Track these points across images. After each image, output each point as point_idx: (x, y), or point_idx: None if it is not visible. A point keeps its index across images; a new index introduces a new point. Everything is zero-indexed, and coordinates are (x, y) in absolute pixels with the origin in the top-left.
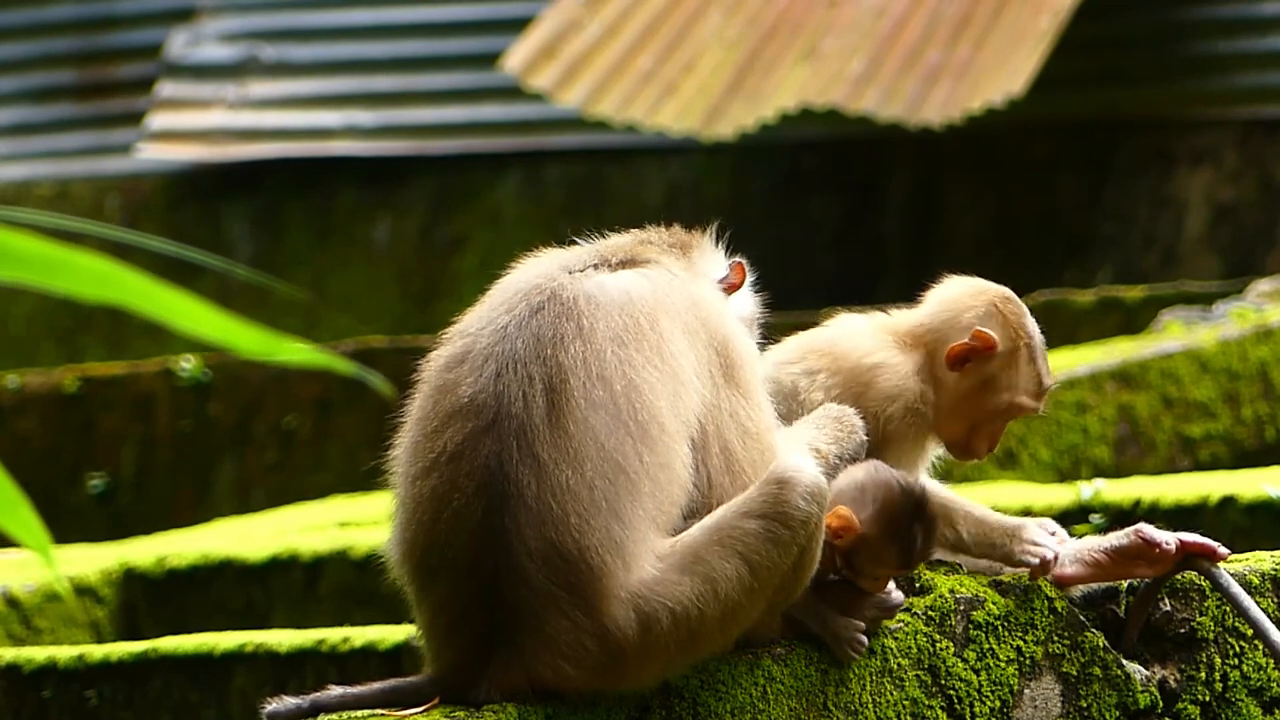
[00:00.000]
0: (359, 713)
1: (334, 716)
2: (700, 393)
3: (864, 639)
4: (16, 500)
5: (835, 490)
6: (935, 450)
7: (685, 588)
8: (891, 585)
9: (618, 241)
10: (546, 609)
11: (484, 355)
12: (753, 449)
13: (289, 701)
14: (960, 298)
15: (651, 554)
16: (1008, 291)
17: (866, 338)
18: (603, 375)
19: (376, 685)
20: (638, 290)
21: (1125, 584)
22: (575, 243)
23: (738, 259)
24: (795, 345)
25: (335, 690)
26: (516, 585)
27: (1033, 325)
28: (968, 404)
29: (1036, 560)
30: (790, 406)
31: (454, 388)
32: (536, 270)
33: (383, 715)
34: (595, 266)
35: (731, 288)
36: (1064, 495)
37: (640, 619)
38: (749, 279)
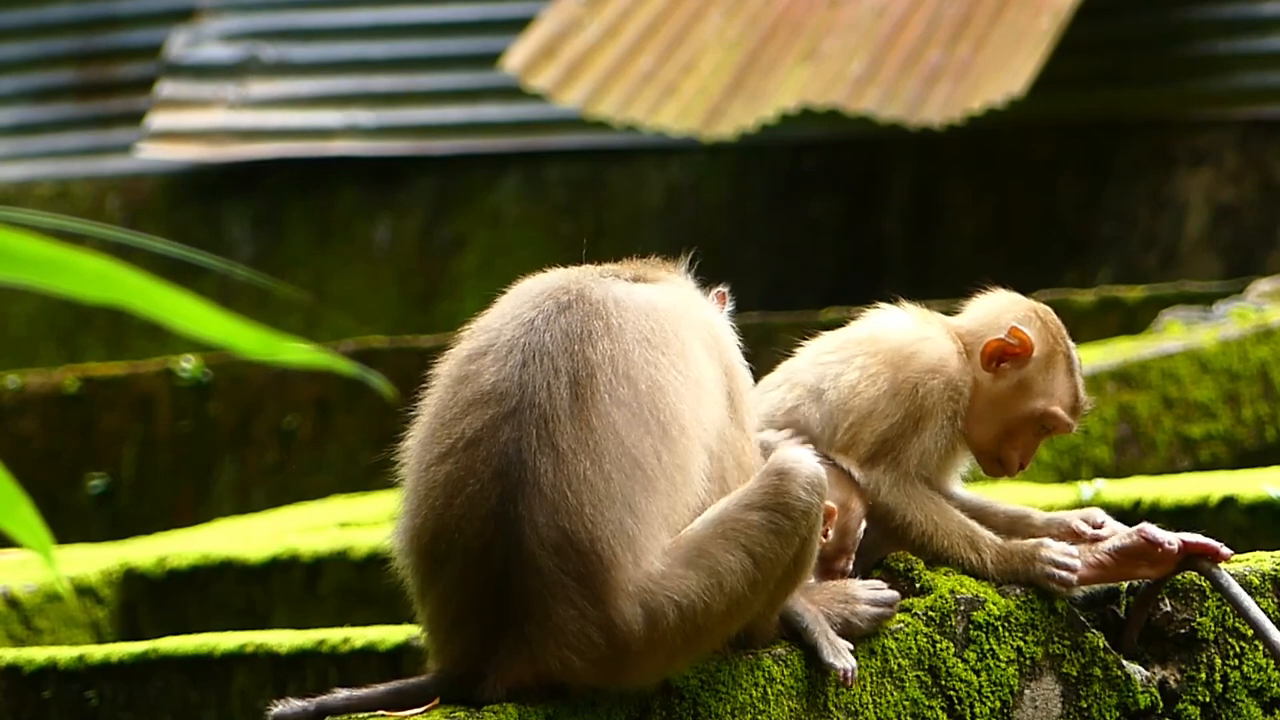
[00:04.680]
0: (363, 714)
1: (340, 719)
2: (719, 405)
3: (853, 663)
4: (18, 500)
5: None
6: (966, 457)
7: (691, 581)
8: (882, 584)
9: (614, 265)
10: (555, 598)
11: (509, 346)
12: (740, 481)
13: (294, 704)
14: (1000, 304)
15: (660, 549)
16: (1049, 308)
17: (909, 321)
18: (628, 374)
19: (381, 687)
20: (661, 300)
21: (1125, 584)
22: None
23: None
24: (832, 339)
25: (341, 693)
26: (526, 573)
27: (1072, 343)
28: (1002, 407)
29: (1060, 586)
30: (816, 398)
31: (476, 377)
32: (558, 276)
33: (384, 716)
34: (615, 277)
35: None
36: (1064, 495)
37: (647, 614)
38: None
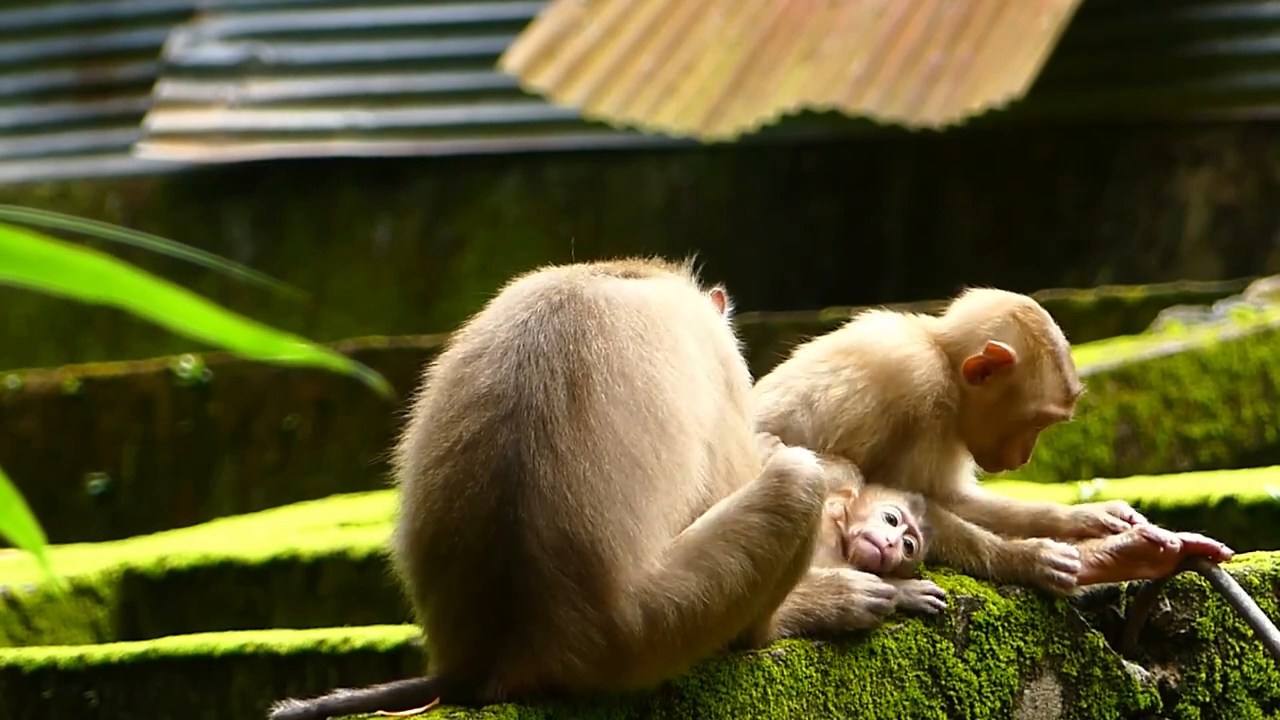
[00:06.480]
0: (364, 715)
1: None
2: (714, 398)
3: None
4: (12, 501)
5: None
6: (967, 459)
7: (691, 583)
8: (875, 578)
9: (607, 264)
10: (556, 600)
11: (503, 348)
12: (745, 466)
13: (296, 705)
14: (978, 310)
15: (660, 549)
16: (1029, 302)
17: (896, 332)
18: (624, 372)
19: (383, 688)
20: (651, 295)
21: (1125, 584)
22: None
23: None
24: (822, 346)
25: (343, 694)
26: (527, 575)
27: (1056, 333)
28: (994, 415)
29: (1059, 587)
30: (808, 407)
31: (471, 380)
32: (548, 276)
33: (384, 716)
34: (606, 274)
35: None
36: (1064, 495)
37: (647, 615)
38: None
